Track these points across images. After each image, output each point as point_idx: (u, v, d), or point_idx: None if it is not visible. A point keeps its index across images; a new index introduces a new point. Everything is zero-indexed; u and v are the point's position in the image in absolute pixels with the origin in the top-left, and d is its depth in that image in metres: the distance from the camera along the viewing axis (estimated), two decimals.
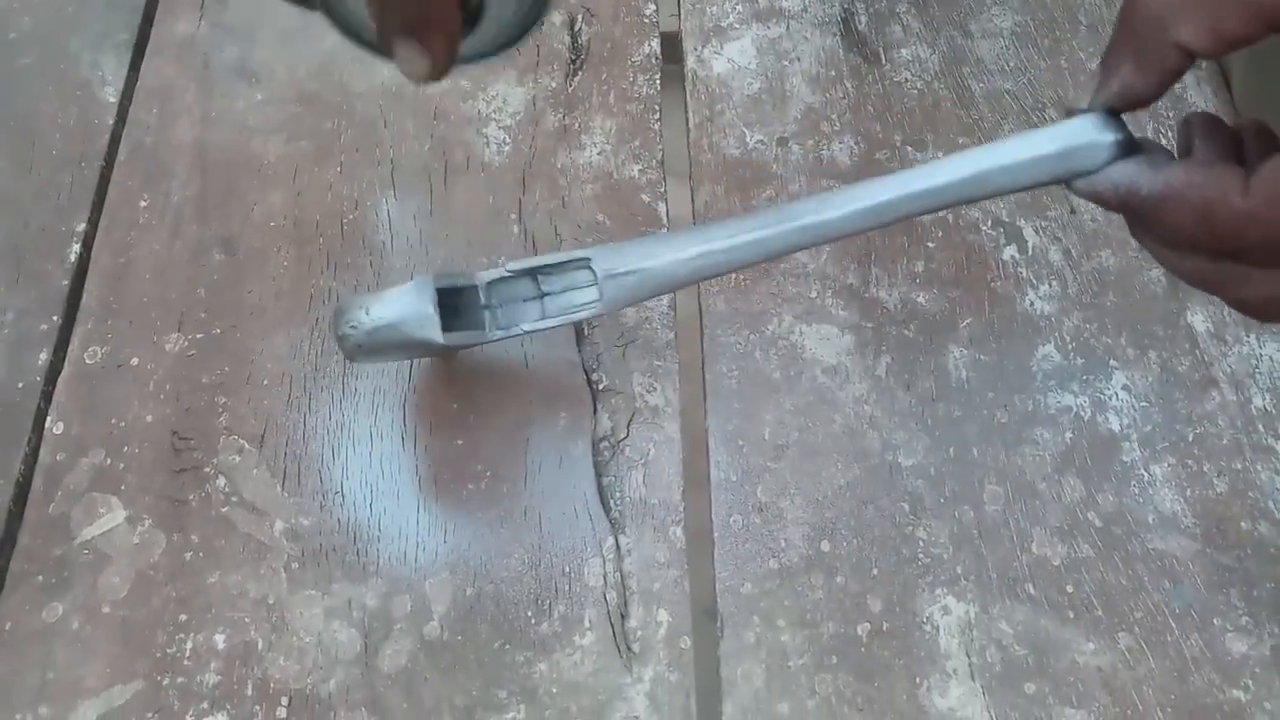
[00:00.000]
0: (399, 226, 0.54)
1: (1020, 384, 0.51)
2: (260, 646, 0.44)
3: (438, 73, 0.35)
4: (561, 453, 0.49)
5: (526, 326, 0.45)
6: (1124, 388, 0.51)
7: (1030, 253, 0.54)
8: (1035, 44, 0.61)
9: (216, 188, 0.55)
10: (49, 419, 0.49)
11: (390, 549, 0.46)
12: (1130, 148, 0.34)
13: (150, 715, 0.43)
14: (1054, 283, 0.53)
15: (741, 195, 0.56)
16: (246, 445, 0.49)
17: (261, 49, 0.60)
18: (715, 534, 0.47)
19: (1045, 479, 0.48)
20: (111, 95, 0.58)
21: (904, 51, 0.61)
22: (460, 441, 0.49)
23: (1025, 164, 0.36)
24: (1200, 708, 0.43)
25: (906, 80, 0.60)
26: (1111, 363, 0.51)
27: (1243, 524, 0.47)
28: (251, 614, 0.45)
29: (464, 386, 0.50)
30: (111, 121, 0.57)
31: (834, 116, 0.58)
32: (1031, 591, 0.46)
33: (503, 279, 0.45)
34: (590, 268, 0.43)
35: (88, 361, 0.50)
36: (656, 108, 0.59)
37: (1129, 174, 0.34)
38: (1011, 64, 0.60)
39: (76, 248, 0.53)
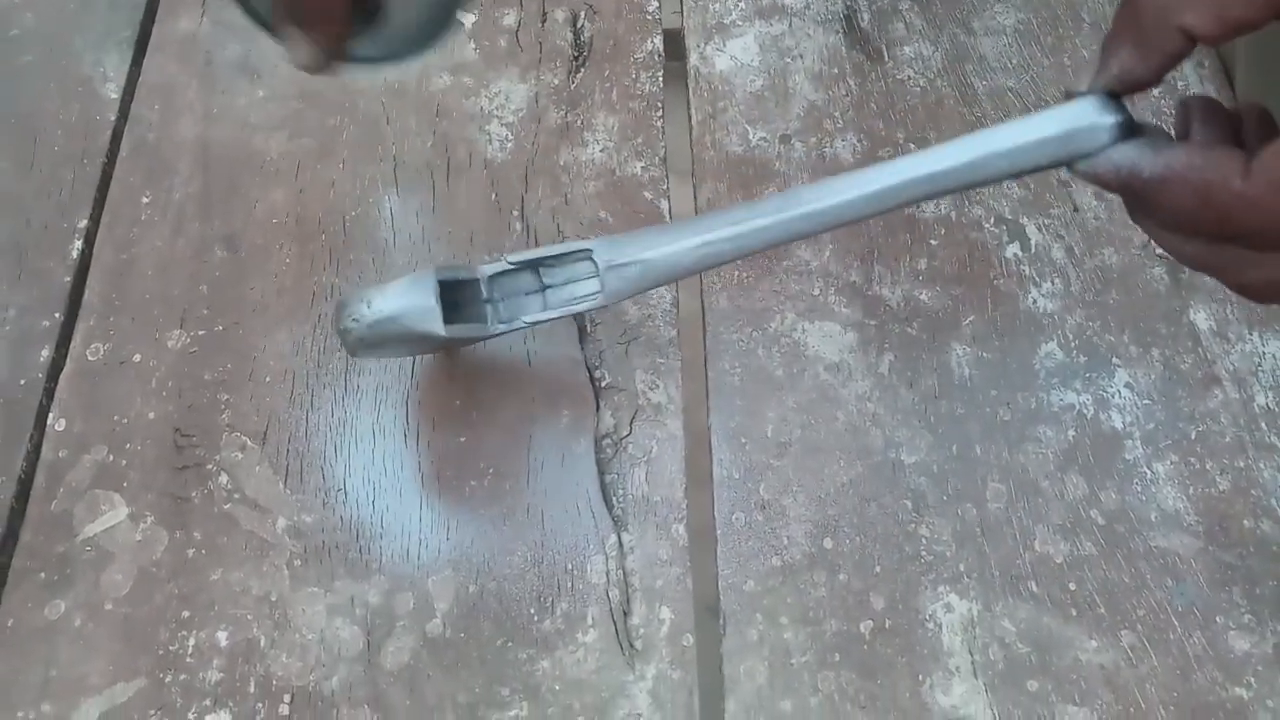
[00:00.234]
0: (401, 223, 0.54)
1: (1023, 382, 0.51)
2: (263, 644, 0.44)
3: (321, 62, 0.36)
4: (564, 450, 0.49)
5: (528, 319, 0.45)
6: (1126, 385, 0.51)
7: (1033, 250, 0.54)
8: (1038, 41, 0.61)
9: (219, 184, 0.55)
10: (51, 416, 0.49)
11: (393, 546, 0.46)
12: (1131, 129, 0.34)
13: (153, 713, 0.43)
14: (1057, 280, 0.53)
15: (744, 192, 0.56)
16: (249, 442, 0.48)
17: (263, 45, 0.60)
18: (718, 531, 0.47)
19: (1048, 477, 0.48)
20: (113, 92, 0.58)
21: (907, 49, 0.61)
22: (463, 439, 0.49)
23: (1027, 147, 0.36)
24: (1203, 705, 0.43)
25: (909, 78, 0.60)
26: (1114, 360, 0.51)
27: (1245, 522, 0.47)
28: (254, 611, 0.45)
29: (467, 384, 0.50)
30: (113, 118, 0.57)
31: (837, 114, 0.58)
32: (1034, 589, 0.46)
33: (504, 272, 0.45)
34: (591, 259, 0.43)
35: (90, 358, 0.50)
36: (659, 105, 0.59)
37: (1129, 156, 0.33)
38: (1014, 61, 0.60)
39: (79, 244, 0.53)
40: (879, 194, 0.39)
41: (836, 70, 0.60)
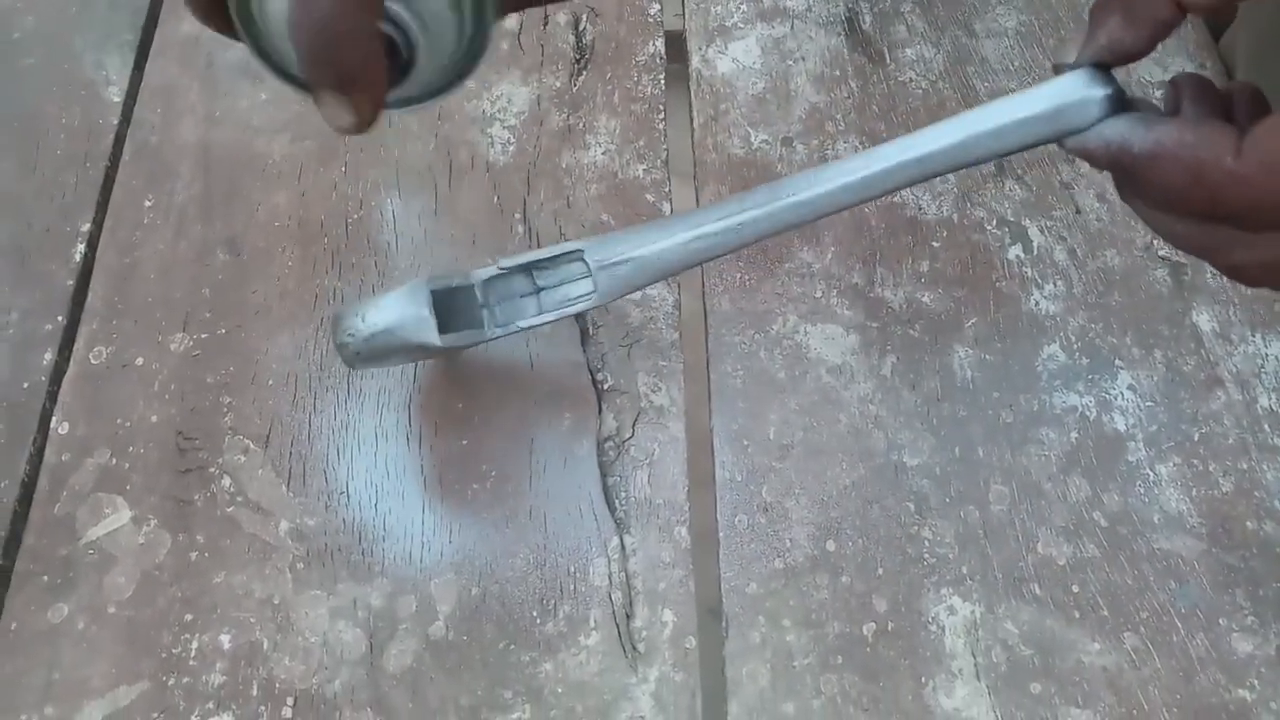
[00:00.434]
0: (404, 226, 0.54)
1: (1025, 384, 0.51)
2: (265, 646, 0.44)
3: (361, 127, 0.34)
4: (566, 453, 0.49)
5: (524, 323, 0.45)
6: (1129, 387, 0.51)
7: (1035, 252, 0.54)
8: (1040, 43, 0.61)
9: (221, 187, 0.55)
10: (54, 419, 0.49)
11: (395, 549, 0.46)
12: (1121, 103, 0.34)
13: (156, 715, 0.43)
14: (1059, 282, 0.53)
15: None
16: (251, 445, 0.49)
17: None
18: (720, 534, 0.47)
19: (1050, 479, 0.48)
20: (116, 95, 0.58)
21: (908, 51, 0.61)
22: (465, 441, 0.49)
23: (1016, 124, 0.35)
24: (1206, 708, 0.43)
25: (911, 80, 0.60)
26: (1117, 362, 0.51)
27: (1248, 523, 0.47)
28: (257, 614, 0.45)
29: (469, 387, 0.50)
30: (116, 121, 0.57)
31: (838, 116, 0.58)
32: (1037, 591, 0.46)
33: (498, 276, 0.45)
34: (584, 259, 0.43)
35: (93, 361, 0.50)
36: (661, 107, 0.59)
37: (1120, 131, 0.33)
38: (1016, 63, 0.60)
39: (81, 248, 0.53)
40: (869, 180, 0.38)
41: (838, 72, 0.60)
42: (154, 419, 0.49)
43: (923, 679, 0.44)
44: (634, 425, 0.49)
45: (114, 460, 0.48)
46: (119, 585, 0.45)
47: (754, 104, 0.59)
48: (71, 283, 0.52)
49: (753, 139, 0.58)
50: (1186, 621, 0.45)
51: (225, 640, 0.44)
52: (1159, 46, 0.33)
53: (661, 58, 0.61)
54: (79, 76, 0.59)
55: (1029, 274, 0.54)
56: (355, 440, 0.49)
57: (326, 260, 0.53)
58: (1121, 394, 0.50)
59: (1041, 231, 0.55)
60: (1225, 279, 0.53)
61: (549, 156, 0.57)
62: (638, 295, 0.52)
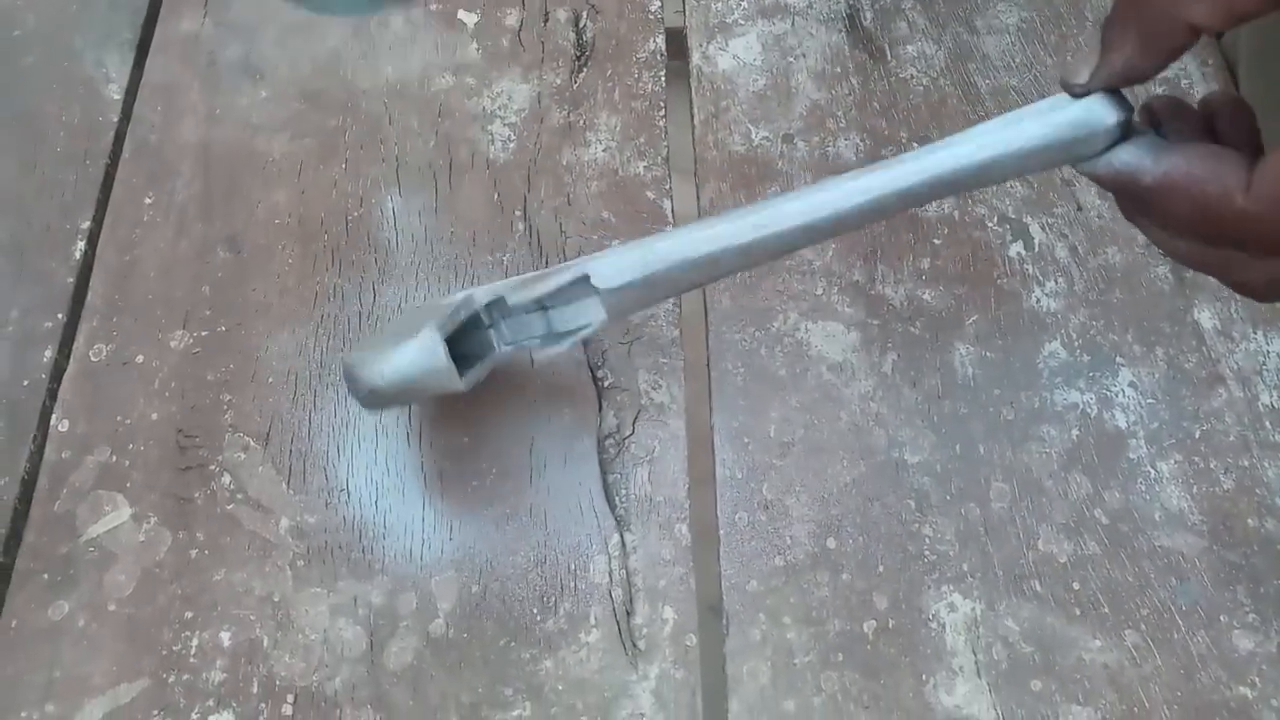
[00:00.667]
0: (404, 224, 0.54)
1: (1026, 381, 0.51)
2: (266, 644, 0.44)
3: None
4: (567, 450, 0.49)
5: (537, 342, 0.44)
6: (1130, 385, 0.51)
7: (1036, 249, 0.54)
8: (1041, 40, 0.61)
9: (221, 185, 0.55)
10: (54, 416, 0.49)
11: (396, 546, 0.46)
12: (1132, 124, 0.34)
13: (156, 713, 0.43)
14: (1060, 279, 0.53)
15: (747, 192, 0.56)
16: (252, 443, 0.49)
17: (265, 46, 0.60)
18: (721, 531, 0.47)
19: (1051, 476, 0.48)
20: (116, 93, 0.58)
21: (909, 48, 0.61)
22: (465, 439, 0.49)
23: (1032, 152, 0.35)
24: (1207, 705, 0.43)
25: (912, 76, 0.60)
26: (1118, 359, 0.51)
27: (1250, 521, 0.47)
28: (257, 611, 0.45)
29: None
30: (116, 119, 0.57)
31: (839, 113, 0.58)
32: (1038, 589, 0.46)
33: (502, 300, 0.44)
34: (591, 285, 0.42)
35: (93, 359, 0.50)
36: (661, 104, 0.59)
37: (1129, 160, 0.33)
38: (1017, 60, 0.60)
39: (81, 245, 0.53)
40: (882, 202, 0.38)
41: (839, 69, 0.60)
42: (154, 416, 0.49)
43: (923, 676, 0.44)
44: (634, 423, 0.49)
45: (114, 458, 0.48)
46: (119, 583, 0.45)
47: (755, 101, 0.59)
48: (72, 280, 0.52)
49: (753, 136, 0.58)
50: (1187, 619, 0.45)
51: (225, 638, 0.44)
52: None
53: (662, 54, 0.61)
54: (79, 74, 0.59)
55: (1030, 271, 0.53)
56: (355, 437, 0.49)
57: (327, 258, 0.53)
58: (1123, 391, 0.50)
59: (1043, 228, 0.55)
60: None
61: (549, 154, 0.57)
62: None
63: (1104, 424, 0.50)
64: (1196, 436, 0.49)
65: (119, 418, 0.49)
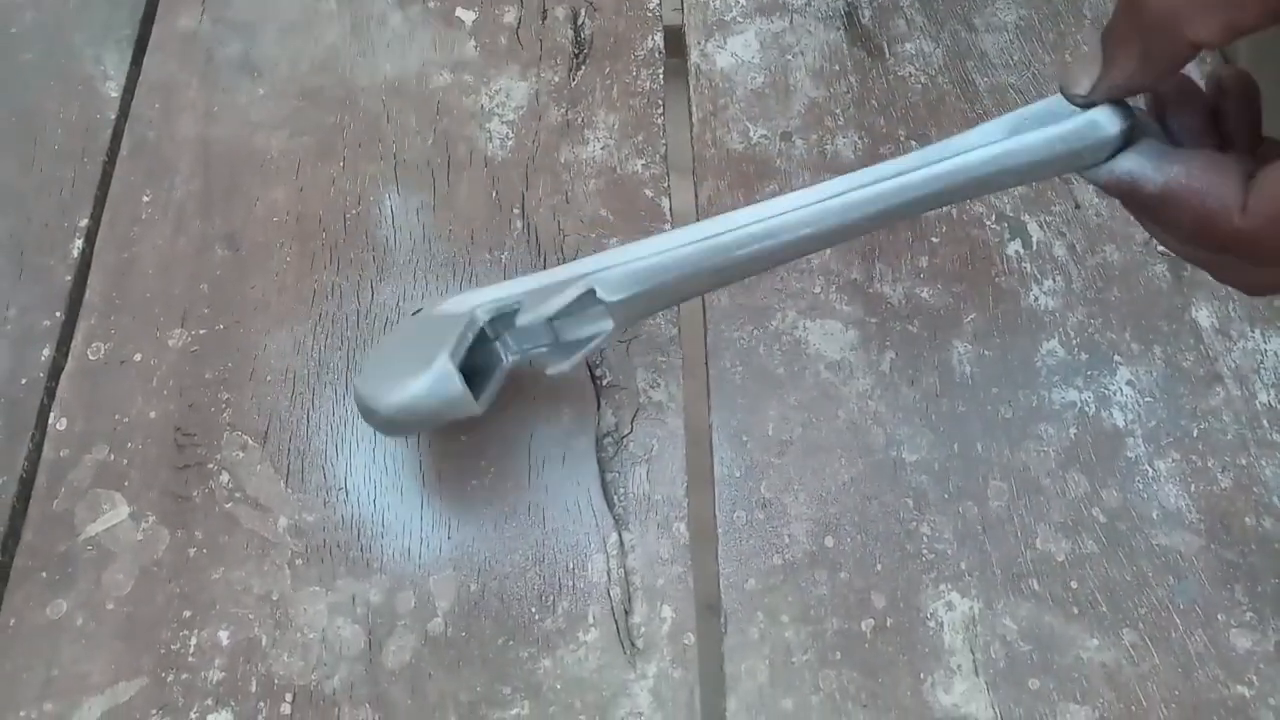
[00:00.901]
0: (402, 221, 0.54)
1: (1024, 379, 0.51)
2: (264, 643, 0.44)
3: None
4: (565, 449, 0.49)
5: (544, 350, 0.45)
6: (1128, 383, 0.51)
7: (1034, 248, 0.54)
8: (1039, 38, 0.61)
9: (219, 183, 0.55)
10: (52, 415, 0.49)
11: (394, 545, 0.46)
12: (1134, 130, 0.34)
13: (154, 712, 0.43)
14: (1058, 278, 0.53)
15: (745, 190, 0.56)
16: (250, 441, 0.48)
17: (264, 43, 0.60)
18: (719, 530, 0.47)
19: (1049, 475, 0.48)
20: (114, 90, 0.58)
21: (908, 45, 0.61)
22: (464, 437, 0.49)
23: (1036, 164, 0.36)
24: (1204, 703, 0.43)
25: (910, 74, 0.60)
26: (1116, 358, 0.51)
27: (1247, 519, 0.47)
28: (255, 610, 0.45)
29: None
30: (114, 117, 0.57)
31: (838, 111, 0.58)
32: (1035, 587, 0.46)
33: (505, 313, 0.44)
34: (598, 298, 0.42)
35: (91, 357, 0.50)
36: (660, 102, 0.59)
37: (1131, 169, 0.34)
38: (1016, 58, 0.60)
39: (79, 243, 0.53)
40: (887, 211, 0.38)
41: (838, 67, 0.60)
42: (152, 415, 0.49)
43: (921, 675, 0.44)
44: (633, 421, 0.49)
45: (112, 456, 0.48)
46: (118, 581, 0.45)
47: (753, 99, 0.59)
48: (70, 278, 0.52)
49: (752, 134, 0.58)
50: (1185, 617, 0.45)
51: (224, 636, 0.44)
52: None
53: (660, 52, 0.61)
54: (77, 72, 0.59)
55: (1028, 269, 0.53)
56: (354, 436, 0.49)
57: (325, 256, 0.53)
58: (1120, 389, 0.50)
59: (1041, 227, 0.55)
60: None
61: (548, 151, 0.57)
62: None
63: (1102, 422, 0.50)
64: (1194, 435, 0.49)
65: (117, 416, 0.49)
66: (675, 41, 0.62)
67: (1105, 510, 0.47)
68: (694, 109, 0.59)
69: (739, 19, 0.62)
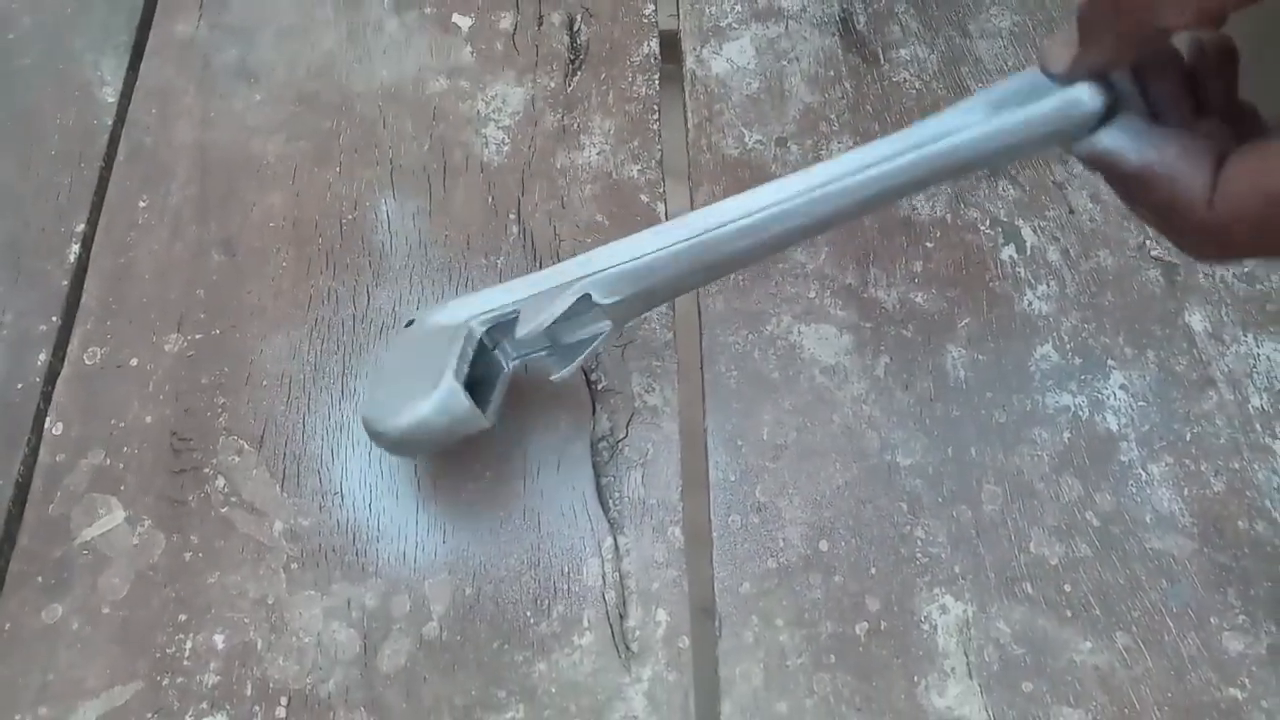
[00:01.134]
0: (398, 226, 0.55)
1: (1018, 384, 0.51)
2: (259, 646, 0.44)
3: None
4: (560, 453, 0.49)
5: (543, 354, 0.45)
6: (1122, 387, 0.51)
7: (1028, 253, 0.54)
8: (1034, 44, 0.61)
9: (216, 188, 0.56)
10: (48, 419, 0.49)
11: (389, 549, 0.47)
12: (1115, 105, 0.34)
13: (150, 715, 0.43)
14: (1052, 283, 0.53)
15: None
16: (246, 446, 0.49)
17: (261, 49, 0.60)
18: (714, 534, 0.47)
19: (1043, 478, 0.48)
20: (111, 95, 0.59)
21: (903, 51, 0.61)
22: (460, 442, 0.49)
23: (1021, 144, 0.36)
24: (1197, 706, 0.44)
25: (905, 80, 0.60)
26: (1109, 362, 0.51)
27: (1240, 523, 0.47)
28: (251, 614, 0.45)
29: None
30: (111, 122, 0.58)
31: (833, 116, 0.58)
32: (1029, 591, 0.46)
33: (501, 322, 0.44)
34: (594, 302, 0.42)
35: (87, 362, 0.50)
36: (655, 108, 0.59)
37: (1109, 146, 0.34)
38: (1010, 64, 0.60)
39: (76, 248, 0.53)
40: (878, 197, 0.38)
41: (832, 73, 0.60)
42: (148, 419, 0.49)
43: (915, 678, 0.44)
44: (628, 425, 0.50)
45: (108, 461, 0.48)
46: (113, 586, 0.45)
47: (748, 104, 0.59)
48: (66, 283, 0.52)
49: (747, 139, 0.58)
50: (1178, 621, 0.45)
51: (219, 640, 0.44)
52: None
53: (656, 58, 0.61)
54: (75, 77, 0.59)
55: (1022, 274, 0.54)
56: (349, 441, 0.49)
57: (321, 261, 0.53)
58: (1114, 394, 0.51)
59: (1035, 232, 0.55)
60: (1218, 280, 0.53)
61: (543, 157, 0.57)
62: None
63: (1095, 426, 0.50)
64: (1187, 439, 0.49)
65: (113, 421, 0.49)
66: (671, 47, 0.62)
67: (1099, 514, 0.48)
68: (689, 114, 0.59)
69: (734, 25, 0.62)
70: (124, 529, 0.47)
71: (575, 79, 0.60)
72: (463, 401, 0.42)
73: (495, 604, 0.45)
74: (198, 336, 0.51)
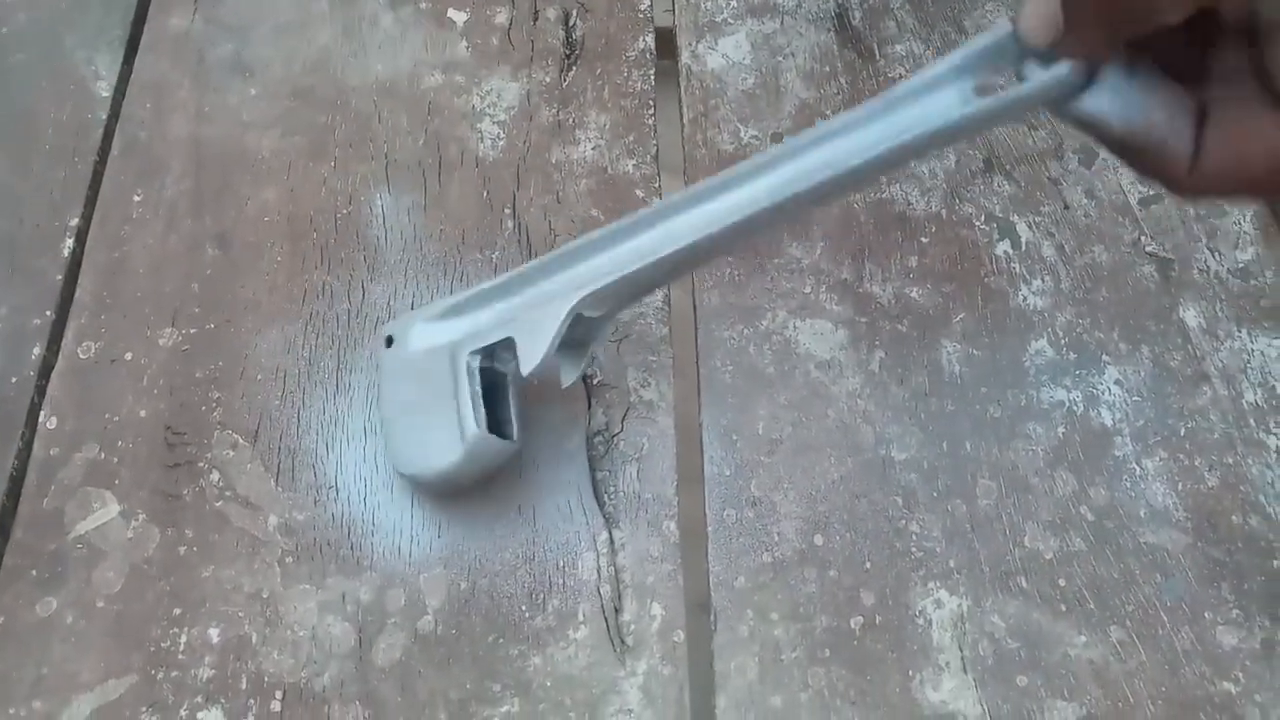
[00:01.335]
0: (393, 221, 0.54)
1: (1013, 379, 0.51)
2: (254, 640, 0.44)
3: None
4: (556, 448, 0.49)
5: (568, 383, 0.45)
6: (1116, 382, 0.51)
7: (1023, 248, 0.54)
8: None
9: (210, 183, 0.55)
10: (42, 414, 0.49)
11: (384, 543, 0.46)
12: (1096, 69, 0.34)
13: (145, 709, 0.43)
14: (1047, 278, 0.53)
15: None
16: (240, 440, 0.49)
17: (256, 44, 0.60)
18: (709, 528, 0.47)
19: (1038, 473, 0.49)
20: (105, 90, 0.58)
21: (898, 47, 0.61)
22: None
23: (1002, 118, 0.36)
24: (1191, 700, 0.44)
25: (901, 76, 0.60)
26: (1104, 357, 0.51)
27: (1234, 518, 0.47)
28: (245, 608, 0.45)
29: None
30: (105, 116, 0.57)
31: (828, 112, 0.59)
32: (1024, 585, 0.46)
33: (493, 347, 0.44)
34: (586, 317, 0.42)
35: (81, 356, 0.50)
36: (651, 103, 0.59)
37: (1092, 111, 0.33)
38: None
39: (70, 243, 0.53)
40: (854, 174, 0.37)
41: (828, 68, 0.60)
42: (143, 414, 0.49)
43: (910, 672, 0.44)
44: (623, 420, 0.50)
45: (102, 455, 0.48)
46: (108, 579, 0.45)
47: (744, 99, 0.59)
48: (60, 278, 0.52)
49: (742, 134, 0.58)
50: (1172, 615, 0.45)
51: (214, 634, 0.44)
52: None
53: (651, 53, 0.61)
54: (69, 72, 0.59)
55: (1017, 269, 0.54)
56: (344, 435, 0.49)
57: (316, 255, 0.53)
58: (1109, 389, 0.51)
59: (1030, 227, 0.55)
60: (1212, 276, 0.53)
61: (539, 152, 0.57)
62: None
63: (1090, 421, 0.50)
64: (1181, 434, 0.50)
65: (107, 415, 0.49)
66: (666, 43, 0.62)
67: (1093, 508, 0.48)
68: (685, 110, 0.59)
69: (730, 20, 0.62)
70: (118, 523, 0.46)
71: (570, 74, 0.60)
72: (492, 446, 0.43)
73: (490, 598, 0.45)
74: (192, 331, 0.51)
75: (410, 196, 0.55)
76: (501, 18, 0.62)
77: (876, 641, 0.45)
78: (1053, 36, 0.33)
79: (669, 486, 0.48)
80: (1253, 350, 0.51)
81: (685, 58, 0.61)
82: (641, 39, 0.61)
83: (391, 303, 0.52)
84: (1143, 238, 0.55)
